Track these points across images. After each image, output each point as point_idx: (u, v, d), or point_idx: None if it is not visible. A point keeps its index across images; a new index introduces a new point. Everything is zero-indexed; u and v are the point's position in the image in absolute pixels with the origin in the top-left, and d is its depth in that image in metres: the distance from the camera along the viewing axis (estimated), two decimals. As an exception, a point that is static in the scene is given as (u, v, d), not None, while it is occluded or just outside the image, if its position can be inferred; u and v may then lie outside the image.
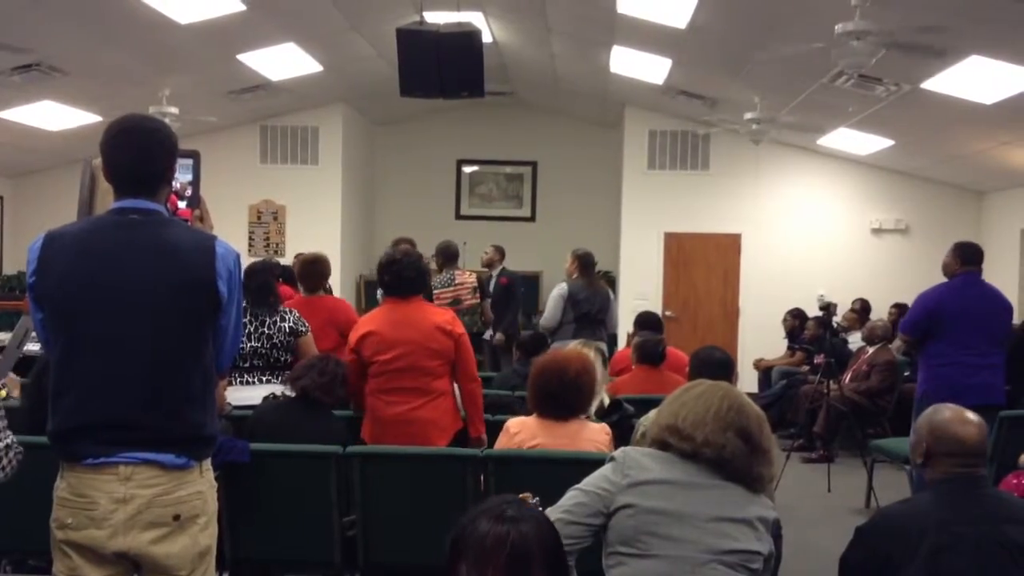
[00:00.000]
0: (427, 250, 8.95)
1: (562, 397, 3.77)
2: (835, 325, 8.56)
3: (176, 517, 2.44)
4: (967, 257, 5.76)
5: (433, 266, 7.69)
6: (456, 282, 7.77)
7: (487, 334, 8.29)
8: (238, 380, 4.89)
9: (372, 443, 4.34)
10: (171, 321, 2.47)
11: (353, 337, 4.49)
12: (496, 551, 1.83)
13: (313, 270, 5.90)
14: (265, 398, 4.68)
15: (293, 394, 4.36)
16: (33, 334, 5.56)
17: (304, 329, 5.04)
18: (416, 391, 4.38)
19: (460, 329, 4.47)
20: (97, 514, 2.41)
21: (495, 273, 8.89)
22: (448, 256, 7.91)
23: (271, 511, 3.96)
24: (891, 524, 2.68)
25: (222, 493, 2.67)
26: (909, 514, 2.70)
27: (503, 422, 4.06)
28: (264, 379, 4.96)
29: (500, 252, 9.22)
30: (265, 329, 4.94)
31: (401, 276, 4.48)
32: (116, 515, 2.40)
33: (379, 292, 8.05)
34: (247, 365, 4.92)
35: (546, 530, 1.92)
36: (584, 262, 7.41)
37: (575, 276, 7.38)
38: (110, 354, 2.45)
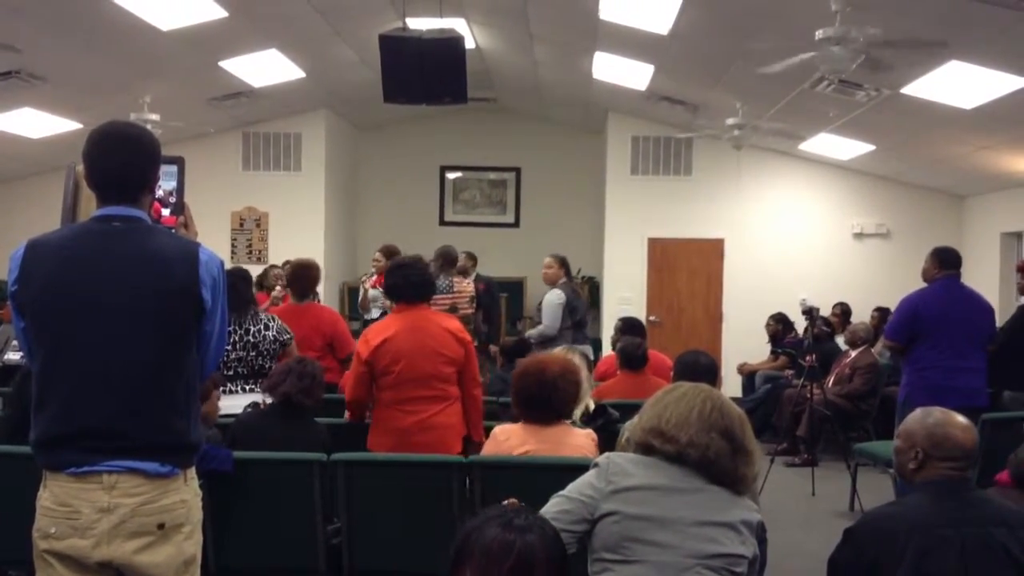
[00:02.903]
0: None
1: (542, 399, 3.76)
2: (822, 328, 8.60)
3: (160, 526, 2.43)
4: (946, 261, 5.82)
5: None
6: (455, 289, 7.74)
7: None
8: (221, 388, 4.86)
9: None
10: (154, 329, 2.46)
11: (364, 349, 4.42)
12: (501, 559, 1.83)
13: (303, 275, 5.86)
14: (245, 408, 4.65)
15: (271, 401, 4.34)
16: (14, 343, 5.52)
17: (288, 338, 5.02)
18: (434, 398, 4.39)
19: (468, 337, 4.55)
20: (80, 523, 2.39)
21: (471, 279, 8.81)
22: (447, 261, 7.88)
23: (255, 519, 3.94)
24: (879, 526, 2.69)
25: (206, 501, 2.65)
26: (897, 516, 2.71)
27: (488, 429, 4.07)
28: (248, 388, 4.93)
29: (472, 258, 9.26)
30: (250, 338, 4.92)
31: (409, 280, 4.50)
32: (100, 524, 2.39)
33: (369, 293, 8.08)
34: (231, 373, 4.90)
35: (552, 542, 1.92)
36: (568, 266, 7.44)
37: (563, 280, 7.37)
38: (92, 362, 2.43)
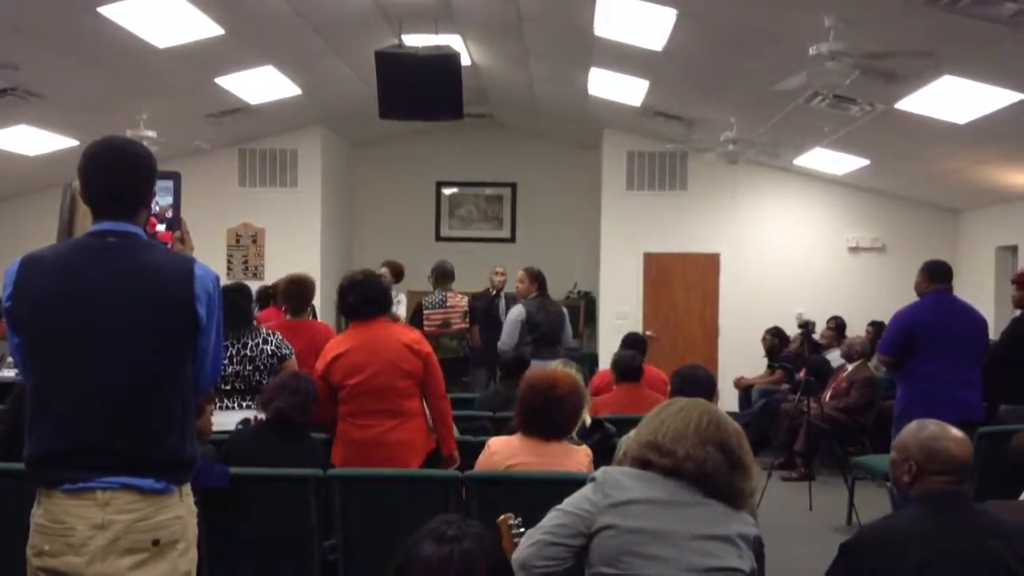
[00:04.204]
0: (409, 273, 8.95)
1: (547, 415, 3.76)
2: (816, 342, 8.59)
3: (155, 542, 2.41)
4: (936, 275, 5.83)
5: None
6: (448, 304, 7.75)
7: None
8: (217, 404, 4.85)
9: (344, 467, 4.31)
10: (149, 344, 2.45)
11: (320, 363, 4.46)
12: (442, 572, 1.83)
13: (298, 290, 5.85)
14: (237, 424, 4.63)
15: (264, 417, 4.32)
16: (9, 360, 5.50)
17: (288, 352, 5.00)
18: (388, 413, 4.37)
19: (428, 348, 4.50)
20: (75, 540, 2.38)
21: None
22: (442, 276, 7.88)
23: (250, 536, 3.92)
24: (875, 540, 2.69)
25: (201, 518, 2.64)
26: (893, 530, 2.71)
27: (481, 443, 4.06)
28: (244, 404, 4.91)
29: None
30: (248, 352, 4.90)
31: (366, 298, 4.49)
32: (94, 541, 2.37)
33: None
34: (228, 388, 4.87)
35: (488, 544, 1.92)
36: (542, 281, 7.46)
37: (533, 295, 7.40)
38: (87, 378, 2.42)
